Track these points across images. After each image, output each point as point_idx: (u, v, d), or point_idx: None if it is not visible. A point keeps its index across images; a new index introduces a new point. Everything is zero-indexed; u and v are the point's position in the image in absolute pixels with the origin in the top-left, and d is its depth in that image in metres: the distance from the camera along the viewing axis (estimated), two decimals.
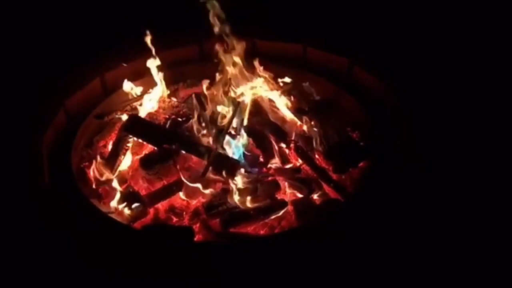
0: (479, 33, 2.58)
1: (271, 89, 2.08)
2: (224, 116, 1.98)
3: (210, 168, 1.82)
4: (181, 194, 1.80)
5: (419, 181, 1.77)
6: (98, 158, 1.88)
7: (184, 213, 1.76)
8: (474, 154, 1.92)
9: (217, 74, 2.07)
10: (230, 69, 2.05)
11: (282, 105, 2.06)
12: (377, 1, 2.85)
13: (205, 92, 2.07)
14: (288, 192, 1.81)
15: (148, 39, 2.11)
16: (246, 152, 1.91)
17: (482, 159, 1.90)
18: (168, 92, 2.21)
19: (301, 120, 2.03)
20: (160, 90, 2.17)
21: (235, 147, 1.90)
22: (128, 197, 1.75)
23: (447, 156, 1.89)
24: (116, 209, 1.74)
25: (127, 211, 1.72)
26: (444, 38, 2.57)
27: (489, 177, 1.84)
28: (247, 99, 2.02)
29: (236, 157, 1.88)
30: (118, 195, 1.76)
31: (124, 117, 2.09)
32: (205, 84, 2.07)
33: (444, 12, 2.73)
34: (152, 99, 2.15)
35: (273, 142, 1.93)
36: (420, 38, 2.56)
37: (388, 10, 2.78)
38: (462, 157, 1.90)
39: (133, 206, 1.72)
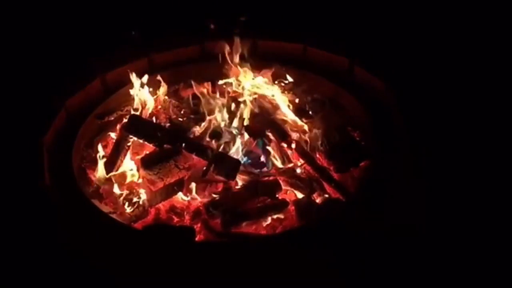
0: (478, 33, 2.58)
1: (272, 89, 2.08)
2: (225, 116, 1.98)
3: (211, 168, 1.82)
4: (181, 194, 1.80)
5: (418, 180, 1.77)
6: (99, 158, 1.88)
7: (185, 213, 1.76)
8: (473, 153, 1.92)
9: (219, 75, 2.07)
10: (232, 70, 2.05)
11: (283, 104, 2.06)
12: (377, 1, 2.86)
13: (206, 91, 2.07)
14: (289, 192, 1.81)
15: None
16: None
17: (481, 158, 1.90)
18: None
19: (302, 119, 2.03)
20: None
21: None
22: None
23: (446, 156, 1.89)
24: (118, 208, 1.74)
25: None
26: (444, 38, 2.58)
27: (488, 177, 1.84)
28: (248, 99, 2.02)
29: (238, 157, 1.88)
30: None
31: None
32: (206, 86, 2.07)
33: (443, 12, 2.74)
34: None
35: (275, 142, 1.92)
36: (420, 38, 2.56)
37: (388, 10, 2.78)
38: (462, 156, 1.90)
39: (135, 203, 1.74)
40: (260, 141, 1.89)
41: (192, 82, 2.12)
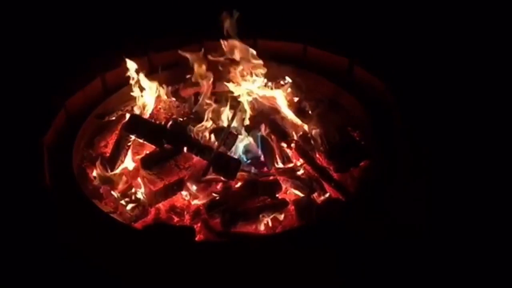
0: (478, 33, 2.58)
1: (272, 89, 2.08)
2: (225, 116, 1.98)
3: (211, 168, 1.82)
4: (183, 193, 1.80)
5: (418, 180, 1.77)
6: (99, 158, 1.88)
7: (185, 212, 1.76)
8: (473, 153, 1.92)
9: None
10: (232, 69, 2.05)
11: (283, 104, 2.06)
12: (377, 1, 2.86)
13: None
14: (289, 192, 1.81)
15: None
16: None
17: (481, 158, 1.90)
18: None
19: (302, 119, 2.03)
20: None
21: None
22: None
23: (446, 155, 1.89)
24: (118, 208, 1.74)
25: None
26: (444, 38, 2.58)
27: (488, 176, 1.84)
28: (248, 99, 2.02)
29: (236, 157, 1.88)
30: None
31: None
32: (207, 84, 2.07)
33: (443, 12, 2.74)
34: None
35: (274, 142, 1.92)
36: (420, 38, 2.56)
37: (388, 10, 2.78)
38: (462, 156, 1.90)
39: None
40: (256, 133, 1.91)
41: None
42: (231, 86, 2.07)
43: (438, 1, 2.80)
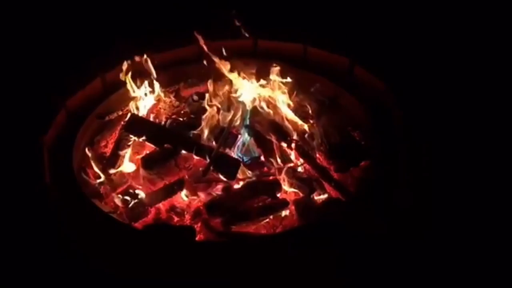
0: (478, 33, 2.58)
1: (273, 89, 2.08)
2: (225, 116, 1.98)
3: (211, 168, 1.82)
4: (182, 194, 1.80)
5: (418, 180, 1.77)
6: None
7: (186, 212, 1.76)
8: (473, 152, 1.92)
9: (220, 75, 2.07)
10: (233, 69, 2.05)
11: (284, 104, 2.06)
12: (377, 1, 2.86)
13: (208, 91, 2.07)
14: (289, 192, 1.81)
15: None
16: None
17: (482, 158, 1.90)
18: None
19: (302, 119, 2.03)
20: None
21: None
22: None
23: (446, 155, 1.90)
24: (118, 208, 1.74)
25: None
26: (444, 38, 2.58)
27: (488, 176, 1.84)
28: (249, 99, 2.02)
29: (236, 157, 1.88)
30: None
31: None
32: (208, 84, 2.07)
33: (443, 12, 2.74)
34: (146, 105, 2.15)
35: (275, 142, 1.93)
36: (420, 38, 2.56)
37: (388, 10, 2.79)
38: (462, 156, 1.91)
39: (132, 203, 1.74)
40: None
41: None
42: (231, 86, 2.07)
43: (438, 1, 2.80)
